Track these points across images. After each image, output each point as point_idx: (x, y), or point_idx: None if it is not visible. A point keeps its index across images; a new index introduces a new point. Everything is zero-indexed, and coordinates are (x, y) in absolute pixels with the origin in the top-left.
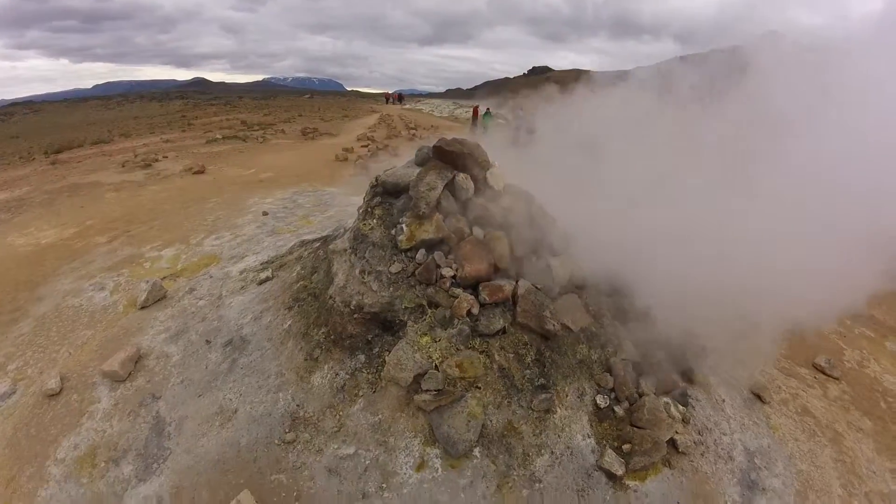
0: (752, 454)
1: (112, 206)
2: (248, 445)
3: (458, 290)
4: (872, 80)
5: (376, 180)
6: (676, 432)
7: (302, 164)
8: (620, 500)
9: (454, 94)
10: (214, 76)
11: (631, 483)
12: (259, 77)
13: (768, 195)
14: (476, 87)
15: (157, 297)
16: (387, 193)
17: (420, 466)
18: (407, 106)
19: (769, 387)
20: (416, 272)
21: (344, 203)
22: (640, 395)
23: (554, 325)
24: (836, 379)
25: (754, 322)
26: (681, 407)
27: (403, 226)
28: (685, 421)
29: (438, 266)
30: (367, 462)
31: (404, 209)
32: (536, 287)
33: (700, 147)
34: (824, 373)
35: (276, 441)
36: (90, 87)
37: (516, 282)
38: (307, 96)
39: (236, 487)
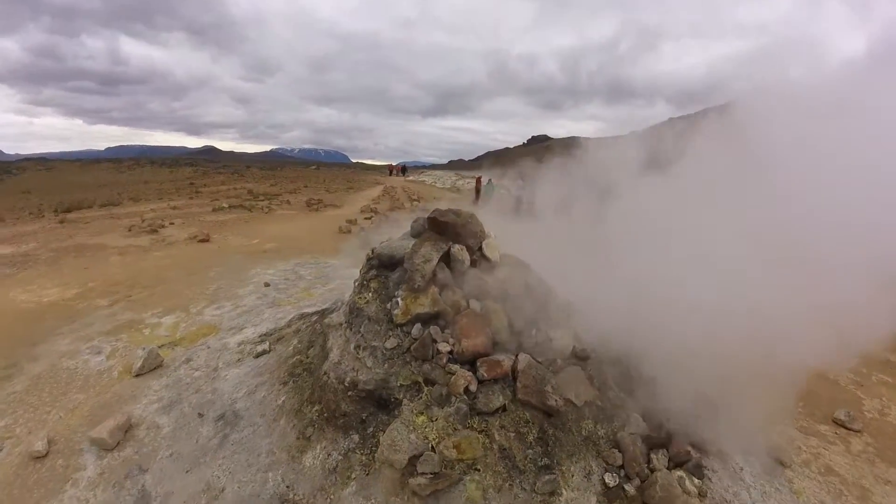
0: None
1: (116, 269)
2: None
3: (456, 367)
4: (860, 116)
5: (372, 252)
6: None
7: (306, 235)
8: None
9: (456, 165)
10: (224, 145)
11: None
12: (267, 147)
13: (765, 242)
14: (478, 158)
15: (152, 366)
16: (382, 266)
17: None
18: (410, 178)
19: (789, 448)
20: (412, 348)
21: (346, 275)
22: (652, 471)
23: (556, 401)
24: (858, 432)
25: (767, 378)
26: (696, 480)
27: (399, 299)
28: (702, 495)
29: (435, 341)
30: None
31: (400, 282)
32: (537, 361)
33: (692, 200)
34: (845, 427)
35: None
36: (103, 148)
37: (516, 356)
38: (313, 167)
39: None
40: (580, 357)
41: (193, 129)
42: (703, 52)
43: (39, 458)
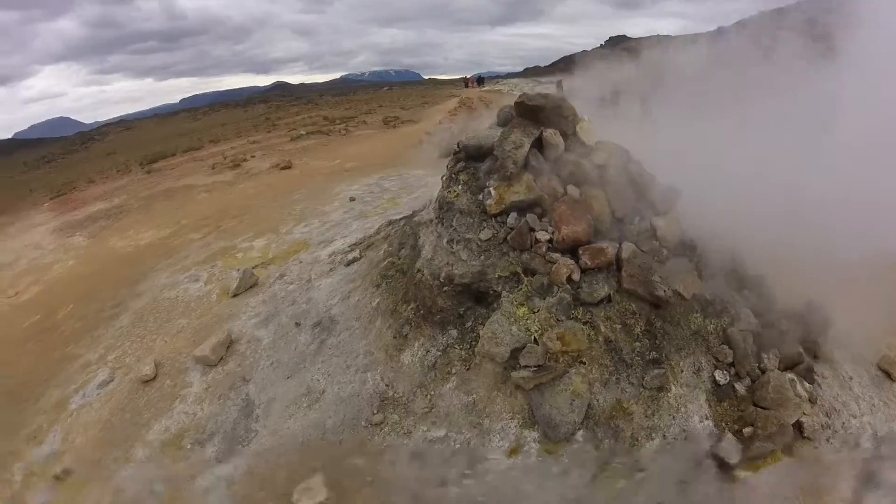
0: (880, 441)
1: (204, 205)
2: (334, 427)
3: (556, 255)
4: None
5: (458, 146)
6: (804, 413)
7: (386, 152)
8: (724, 495)
9: (533, 72)
10: (294, 78)
11: (742, 474)
12: (337, 75)
13: (872, 144)
14: (554, 63)
15: (248, 285)
16: (470, 158)
17: (514, 451)
18: (486, 88)
19: None
20: (509, 238)
21: (430, 184)
22: (763, 371)
23: (665, 292)
24: None
25: (879, 281)
26: (807, 385)
27: (491, 189)
28: (812, 401)
29: (532, 230)
30: (457, 446)
31: (490, 172)
32: (642, 250)
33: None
34: None
35: (364, 423)
36: (177, 101)
37: (619, 244)
38: (385, 88)
39: (312, 470)
40: (687, 248)
41: (261, 68)
42: None
43: (148, 381)
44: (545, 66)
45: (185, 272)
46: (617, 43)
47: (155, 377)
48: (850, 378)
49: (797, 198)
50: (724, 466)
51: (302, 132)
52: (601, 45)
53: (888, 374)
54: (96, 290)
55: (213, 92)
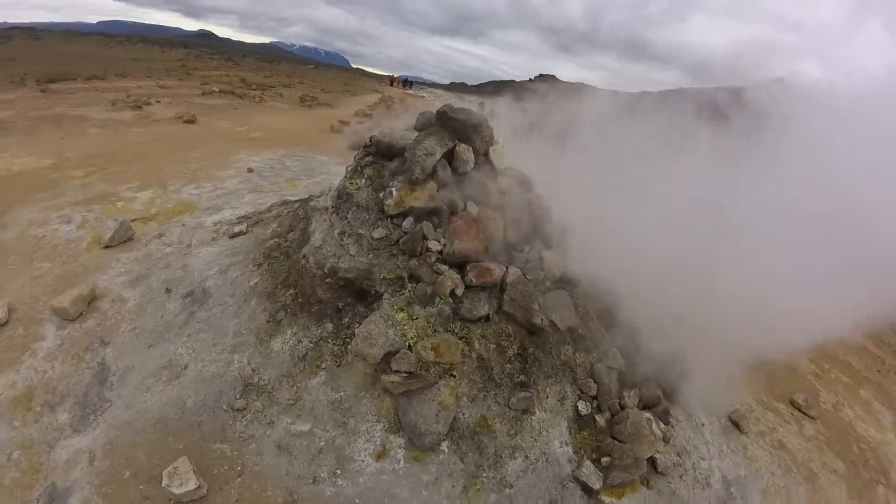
0: (730, 483)
1: (95, 141)
2: (194, 408)
3: (444, 267)
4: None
5: (370, 139)
6: (657, 451)
7: (296, 130)
8: None
9: (459, 88)
10: (221, 31)
11: (607, 499)
12: (266, 39)
13: (757, 233)
14: (481, 85)
15: (123, 238)
16: (380, 154)
17: (381, 455)
18: (411, 91)
19: (748, 416)
20: (401, 241)
21: (333, 172)
22: (623, 408)
23: (542, 320)
24: (812, 418)
25: (736, 352)
26: (662, 425)
27: (394, 189)
28: (666, 440)
29: (426, 238)
30: (322, 443)
31: (397, 172)
32: (527, 277)
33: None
34: (801, 410)
35: (225, 407)
36: (94, 22)
37: (507, 268)
38: (311, 66)
39: (175, 452)
40: (569, 282)
41: (191, 11)
42: (731, 32)
43: None
44: (472, 85)
45: (58, 211)
46: (545, 80)
47: (6, 323)
48: (703, 424)
49: (677, 260)
50: (588, 491)
51: (215, 89)
52: (530, 79)
53: (737, 426)
54: None
55: (135, 23)
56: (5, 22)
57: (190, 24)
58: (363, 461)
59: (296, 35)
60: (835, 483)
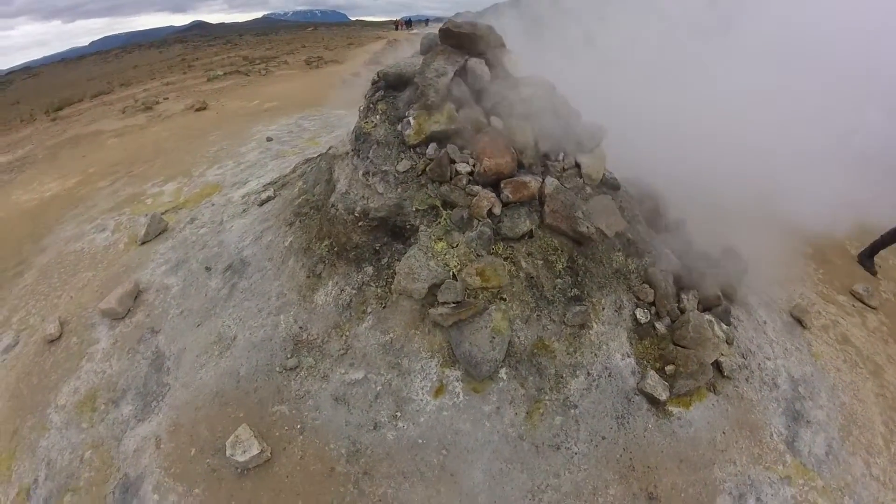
0: (797, 382)
1: (114, 150)
2: (248, 375)
3: (477, 188)
4: None
5: (378, 74)
6: (722, 353)
7: (307, 92)
8: (664, 429)
9: (464, 16)
10: (213, 17)
11: (675, 409)
12: (258, 14)
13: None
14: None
15: (157, 231)
16: (390, 87)
17: (439, 391)
18: (415, 31)
19: (809, 311)
20: (428, 169)
21: (352, 123)
22: (682, 311)
23: (588, 228)
24: (874, 308)
25: (792, 243)
26: (724, 326)
27: (411, 118)
28: (729, 342)
29: (453, 161)
30: (379, 388)
31: (410, 102)
32: (565, 186)
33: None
34: (862, 301)
35: (278, 368)
36: (87, 43)
37: (543, 179)
38: (310, 29)
39: (235, 421)
40: (611, 186)
41: (179, 6)
42: None
43: (53, 340)
44: (477, 12)
45: (92, 222)
46: None
47: (60, 336)
48: (765, 322)
49: (718, 145)
50: (654, 402)
51: (219, 73)
52: None
53: (800, 321)
54: None
55: (127, 33)
56: (1, 70)
57: (180, 20)
58: (422, 400)
59: (286, 2)
60: None
